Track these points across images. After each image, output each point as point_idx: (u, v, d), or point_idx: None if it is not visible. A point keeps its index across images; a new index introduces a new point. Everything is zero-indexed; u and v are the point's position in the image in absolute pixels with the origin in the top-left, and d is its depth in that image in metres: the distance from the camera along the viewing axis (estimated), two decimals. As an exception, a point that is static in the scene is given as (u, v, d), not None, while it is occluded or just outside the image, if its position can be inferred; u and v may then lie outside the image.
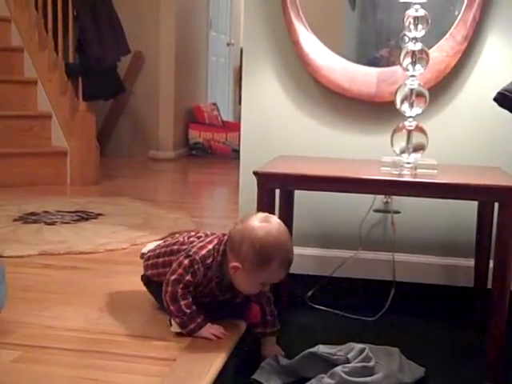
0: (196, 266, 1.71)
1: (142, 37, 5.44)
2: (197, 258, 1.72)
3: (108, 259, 2.48)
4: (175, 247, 1.84)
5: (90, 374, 1.50)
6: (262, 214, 1.74)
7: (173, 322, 1.71)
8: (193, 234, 1.89)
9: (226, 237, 1.76)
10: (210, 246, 1.75)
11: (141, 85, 5.71)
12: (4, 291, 1.75)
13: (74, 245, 2.62)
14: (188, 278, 1.70)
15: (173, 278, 1.71)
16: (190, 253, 1.73)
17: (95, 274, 2.28)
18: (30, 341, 1.66)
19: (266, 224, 1.70)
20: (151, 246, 1.98)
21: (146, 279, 1.94)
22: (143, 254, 1.97)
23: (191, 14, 6.04)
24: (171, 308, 1.70)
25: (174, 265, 1.73)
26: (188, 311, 1.69)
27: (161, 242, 1.95)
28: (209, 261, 1.73)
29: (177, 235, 1.94)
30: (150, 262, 1.90)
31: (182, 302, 1.69)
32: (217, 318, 1.77)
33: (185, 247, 1.80)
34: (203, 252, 1.73)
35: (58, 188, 4.04)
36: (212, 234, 1.82)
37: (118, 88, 4.35)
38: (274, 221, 1.73)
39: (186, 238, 1.86)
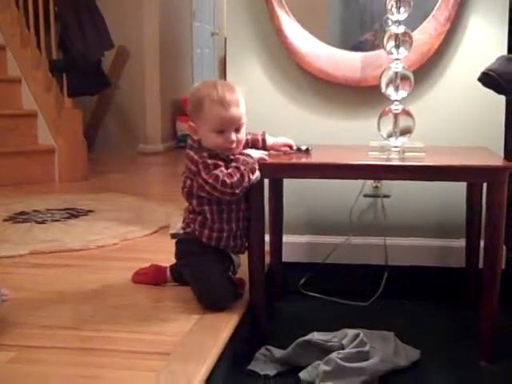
0: (203, 159, 1.81)
1: (125, 31, 5.41)
2: (197, 158, 1.82)
3: (100, 255, 2.46)
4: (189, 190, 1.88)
5: (85, 371, 1.49)
6: None
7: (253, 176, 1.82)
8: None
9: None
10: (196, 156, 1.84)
11: (126, 79, 5.68)
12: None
13: (65, 242, 2.60)
14: (218, 169, 1.79)
15: (211, 181, 1.78)
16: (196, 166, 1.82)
17: (87, 271, 2.27)
18: (24, 341, 1.65)
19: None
20: (176, 224, 1.99)
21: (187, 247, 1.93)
22: (173, 234, 1.99)
23: (174, 5, 6.00)
24: (244, 183, 1.78)
25: (201, 181, 1.80)
26: (241, 169, 1.79)
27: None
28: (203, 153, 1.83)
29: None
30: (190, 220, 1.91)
31: (231, 175, 1.78)
32: None
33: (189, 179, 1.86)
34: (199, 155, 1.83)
35: (47, 186, 4.02)
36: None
37: (102, 83, 4.32)
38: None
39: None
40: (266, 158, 1.88)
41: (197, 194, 1.85)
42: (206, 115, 1.81)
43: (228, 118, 1.80)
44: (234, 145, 1.83)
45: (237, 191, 1.78)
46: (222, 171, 1.78)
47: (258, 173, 1.84)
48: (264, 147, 1.99)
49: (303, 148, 2.01)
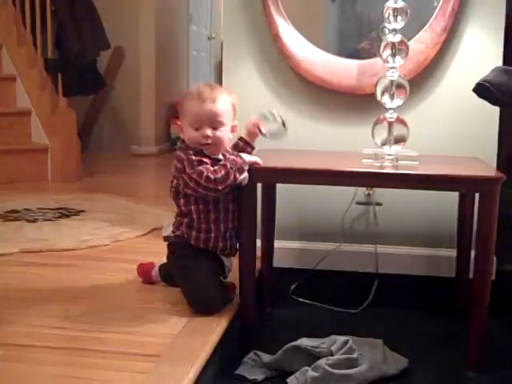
0: (188, 156, 1.83)
1: (122, 31, 5.40)
2: (182, 155, 1.84)
3: (90, 256, 2.46)
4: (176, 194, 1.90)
5: (73, 371, 1.49)
6: None
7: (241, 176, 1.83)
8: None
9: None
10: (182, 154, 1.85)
11: (121, 80, 5.67)
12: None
13: (56, 242, 2.60)
14: (202, 165, 1.81)
15: (195, 176, 1.79)
16: (181, 162, 1.83)
17: (78, 271, 2.27)
18: (13, 339, 1.64)
19: None
20: (169, 227, 2.00)
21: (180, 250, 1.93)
22: (165, 237, 1.98)
23: (171, 7, 6.00)
24: (228, 181, 1.79)
25: (186, 178, 1.81)
26: (227, 166, 1.80)
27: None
28: (189, 151, 1.85)
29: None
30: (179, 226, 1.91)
31: (216, 172, 1.79)
32: None
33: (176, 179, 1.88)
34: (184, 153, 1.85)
35: (39, 185, 4.00)
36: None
37: (97, 83, 4.32)
38: None
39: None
40: (260, 162, 1.88)
41: (183, 192, 1.86)
42: (185, 110, 1.88)
43: (201, 112, 1.84)
44: (210, 140, 1.84)
45: (220, 187, 1.79)
46: (206, 168, 1.80)
47: (246, 174, 1.84)
48: (244, 141, 1.99)
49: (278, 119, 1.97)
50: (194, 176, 1.79)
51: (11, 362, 1.52)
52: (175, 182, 1.88)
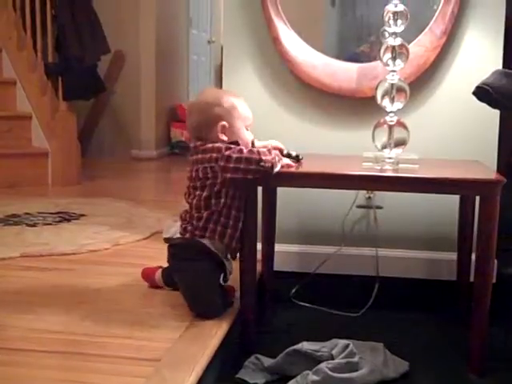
0: (224, 144, 1.85)
1: (122, 35, 5.41)
2: (220, 145, 1.84)
3: (91, 260, 2.45)
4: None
5: (73, 376, 1.49)
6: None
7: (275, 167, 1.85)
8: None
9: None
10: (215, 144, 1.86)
11: (122, 84, 5.68)
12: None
13: (56, 246, 2.59)
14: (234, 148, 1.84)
15: (227, 153, 1.81)
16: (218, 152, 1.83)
17: (78, 275, 2.26)
18: (12, 344, 1.64)
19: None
20: (170, 229, 1.99)
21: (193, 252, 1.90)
22: (167, 238, 1.98)
23: (171, 12, 6.01)
24: (271, 157, 1.83)
25: (222, 163, 1.81)
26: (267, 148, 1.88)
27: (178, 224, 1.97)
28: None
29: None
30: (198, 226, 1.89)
31: (251, 154, 1.82)
32: None
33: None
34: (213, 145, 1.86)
35: (40, 189, 4.00)
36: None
37: (98, 87, 4.32)
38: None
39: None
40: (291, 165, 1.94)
41: (221, 180, 1.83)
42: (242, 113, 1.92)
43: (245, 111, 1.95)
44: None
45: (263, 157, 1.80)
46: (240, 152, 1.83)
47: (279, 166, 1.86)
48: None
49: (293, 154, 2.00)
50: (235, 155, 1.81)
51: (11, 367, 1.52)
52: (210, 174, 1.84)
